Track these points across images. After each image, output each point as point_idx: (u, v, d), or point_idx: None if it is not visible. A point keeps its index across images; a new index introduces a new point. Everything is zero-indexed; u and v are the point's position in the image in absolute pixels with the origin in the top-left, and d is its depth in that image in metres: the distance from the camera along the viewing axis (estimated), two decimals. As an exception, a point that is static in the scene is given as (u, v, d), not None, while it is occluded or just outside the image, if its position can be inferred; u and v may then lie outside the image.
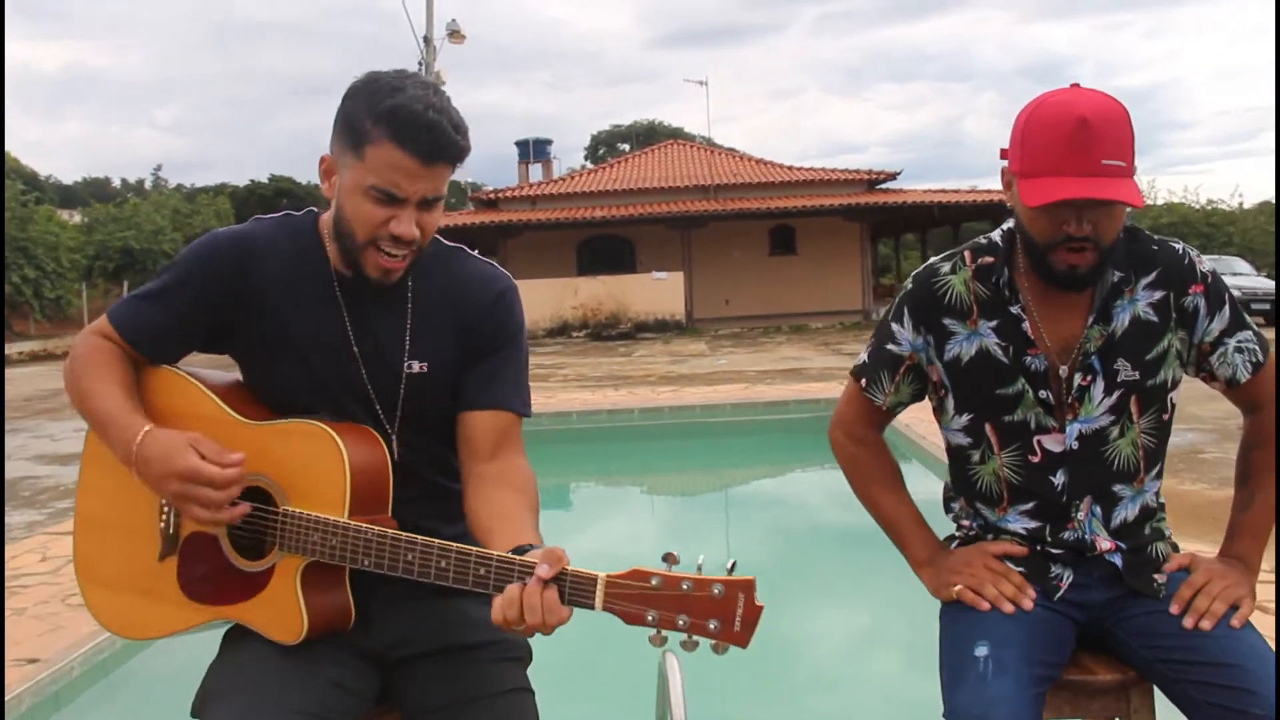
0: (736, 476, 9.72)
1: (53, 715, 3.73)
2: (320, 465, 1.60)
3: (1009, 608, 1.80)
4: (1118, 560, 1.87)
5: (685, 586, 1.36)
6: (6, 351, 19.14)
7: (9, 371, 19.20)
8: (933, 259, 2.00)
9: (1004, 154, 1.83)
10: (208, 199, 40.39)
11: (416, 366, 1.75)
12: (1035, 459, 1.88)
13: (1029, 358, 1.86)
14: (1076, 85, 1.77)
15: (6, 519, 6.53)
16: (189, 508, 1.60)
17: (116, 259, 32.40)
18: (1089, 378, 1.85)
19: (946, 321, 1.91)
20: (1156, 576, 1.87)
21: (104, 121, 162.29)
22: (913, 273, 2.02)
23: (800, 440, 10.97)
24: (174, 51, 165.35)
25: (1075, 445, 1.85)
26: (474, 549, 1.48)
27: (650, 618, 1.37)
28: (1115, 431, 1.86)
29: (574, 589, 1.40)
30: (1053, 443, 1.87)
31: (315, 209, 1.84)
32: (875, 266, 33.73)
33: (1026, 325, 1.86)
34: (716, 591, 1.35)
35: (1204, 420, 8.48)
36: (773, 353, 18.93)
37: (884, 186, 28.85)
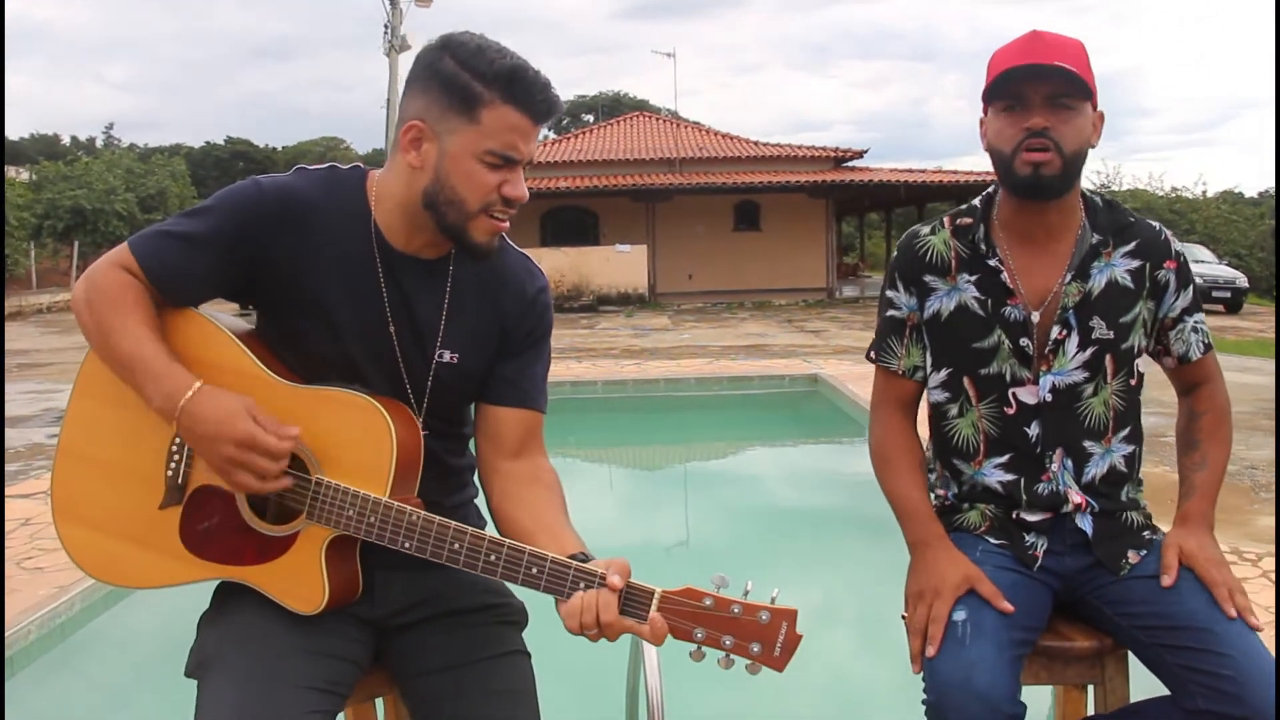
0: (699, 451, 9.75)
1: (8, 679, 3.63)
2: (363, 439, 1.58)
3: (930, 652, 1.77)
4: (1088, 526, 1.94)
5: (735, 610, 1.45)
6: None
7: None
8: (916, 225, 2.11)
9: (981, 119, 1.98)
10: (162, 159, 39.43)
11: (448, 356, 1.72)
12: (1010, 410, 1.96)
13: (1008, 308, 1.95)
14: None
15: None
16: (238, 474, 1.54)
17: (67, 219, 31.68)
18: (1065, 331, 1.93)
19: (928, 279, 2.02)
20: (1130, 555, 1.92)
21: (52, 76, 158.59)
22: (898, 242, 2.13)
23: (763, 415, 11.05)
24: (124, 6, 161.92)
25: (1048, 397, 1.94)
26: (526, 547, 1.50)
27: (698, 635, 1.45)
28: (1089, 389, 1.95)
29: (629, 600, 1.46)
30: (1027, 395, 1.95)
31: (361, 165, 1.76)
32: (839, 245, 33.86)
33: (1005, 276, 1.95)
34: (763, 618, 1.44)
35: (1166, 404, 8.54)
36: (736, 329, 18.96)
37: (850, 165, 28.90)
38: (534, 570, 1.49)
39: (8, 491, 6.10)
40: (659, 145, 29.17)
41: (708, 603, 1.45)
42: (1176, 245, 2.01)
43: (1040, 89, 1.83)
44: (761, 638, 1.45)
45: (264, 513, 1.62)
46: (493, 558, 1.51)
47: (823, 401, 10.66)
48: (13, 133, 59.17)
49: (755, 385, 11.47)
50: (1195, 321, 2.02)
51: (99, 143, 61.17)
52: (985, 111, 1.94)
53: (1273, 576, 4.42)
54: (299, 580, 1.59)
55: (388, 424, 1.57)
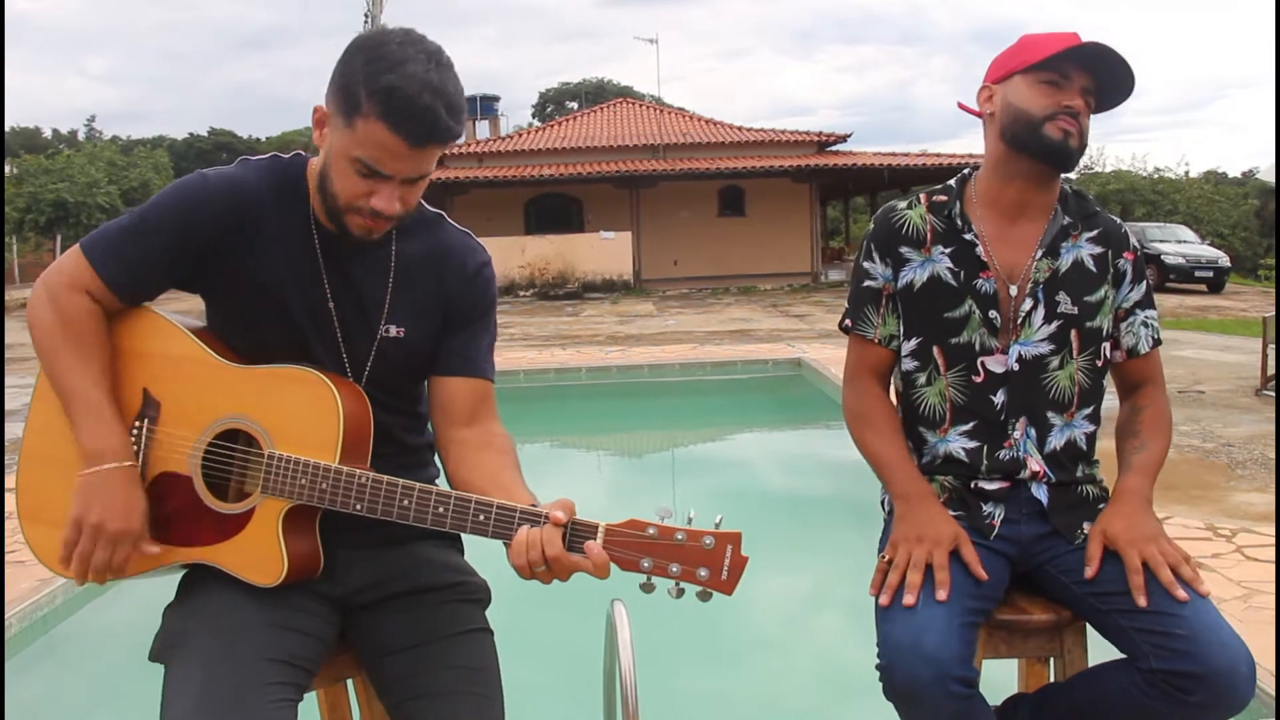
0: (683, 436, 9.76)
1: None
2: (313, 411, 1.63)
3: (908, 599, 1.79)
4: (1043, 496, 1.99)
5: (679, 537, 1.48)
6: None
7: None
8: (891, 201, 2.16)
9: (981, 92, 2.07)
10: (145, 152, 39.27)
11: (394, 331, 1.77)
12: (978, 379, 2.02)
13: (980, 280, 2.01)
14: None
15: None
16: (91, 537, 1.61)
17: (49, 212, 31.46)
18: (1034, 304, 2.00)
19: (903, 250, 2.07)
20: (1085, 527, 1.97)
21: (32, 69, 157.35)
22: (873, 215, 2.18)
23: (747, 400, 11.06)
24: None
25: (1016, 366, 2.00)
26: (473, 495, 1.54)
27: (644, 564, 1.48)
28: (1055, 362, 2.01)
29: (574, 535, 1.49)
30: (995, 364, 2.01)
31: (304, 153, 1.80)
32: (824, 229, 33.85)
33: (980, 250, 2.02)
34: (707, 543, 1.47)
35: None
36: (721, 314, 18.96)
37: (834, 149, 28.83)
38: (480, 517, 1.53)
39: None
40: (643, 132, 29.06)
41: (651, 532, 1.48)
42: (1134, 240, 2.09)
43: (1083, 78, 1.95)
44: (708, 562, 1.48)
45: (227, 494, 1.67)
46: (440, 509, 1.54)
47: (806, 385, 10.67)
48: (-8, 126, 58.60)
49: (739, 370, 11.47)
50: (1147, 316, 2.08)
51: (81, 135, 60.85)
52: (999, 81, 2.02)
53: (1247, 552, 4.47)
54: (258, 553, 1.63)
55: (334, 396, 1.62)
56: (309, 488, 1.60)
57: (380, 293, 1.77)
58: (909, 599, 1.80)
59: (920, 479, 2.01)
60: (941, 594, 1.79)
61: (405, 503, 1.56)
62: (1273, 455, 6.53)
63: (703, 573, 1.47)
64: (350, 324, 1.76)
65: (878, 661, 1.78)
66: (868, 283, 2.11)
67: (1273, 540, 4.63)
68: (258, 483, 1.63)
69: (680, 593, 1.49)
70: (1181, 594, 1.76)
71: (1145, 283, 2.08)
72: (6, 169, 34.61)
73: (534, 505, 1.54)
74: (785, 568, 5.36)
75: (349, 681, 1.88)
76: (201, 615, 1.63)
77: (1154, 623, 1.75)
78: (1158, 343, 2.09)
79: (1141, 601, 1.78)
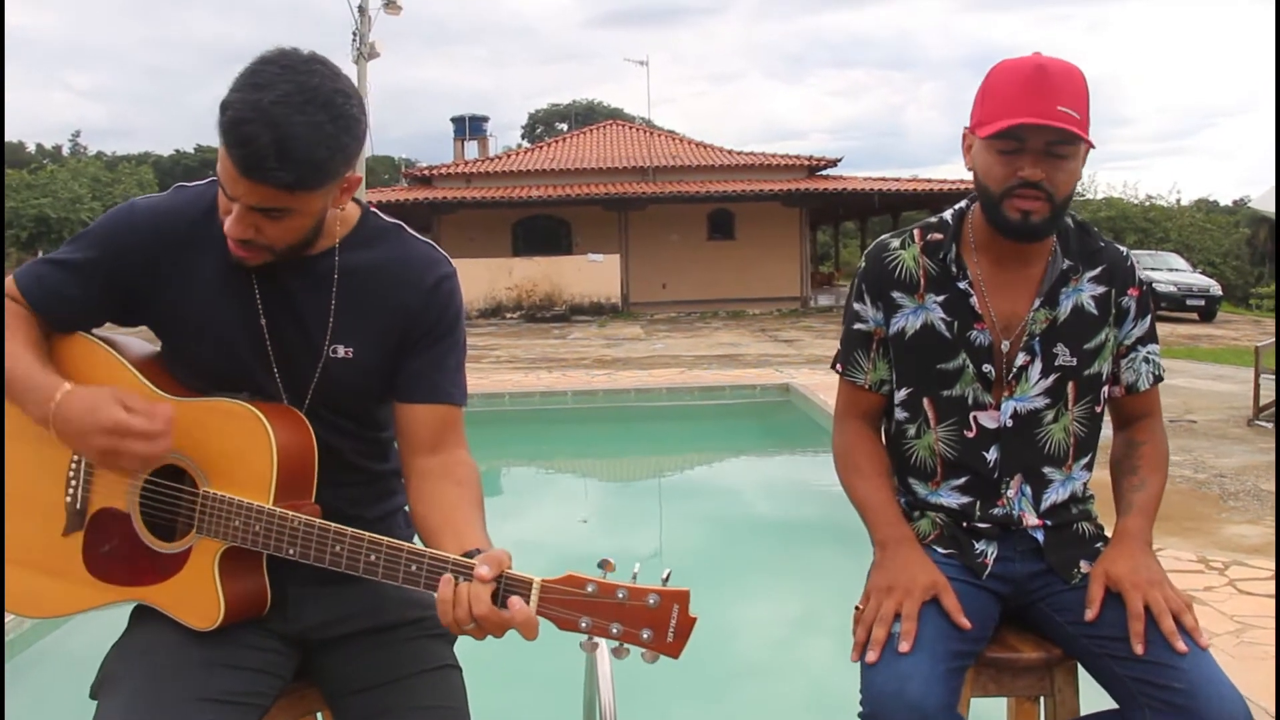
0: (670, 461, 9.75)
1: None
2: (245, 447, 1.56)
3: (870, 657, 1.74)
4: (1040, 535, 1.94)
5: (620, 595, 1.38)
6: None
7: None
8: (884, 236, 2.05)
9: (962, 144, 1.94)
10: (130, 168, 39.29)
11: (341, 351, 1.68)
12: (970, 434, 1.94)
13: (974, 332, 1.93)
14: (1038, 53, 1.85)
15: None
16: (118, 461, 1.54)
17: (31, 227, 31.45)
18: (1029, 358, 1.92)
19: (895, 295, 1.98)
20: (1082, 565, 1.91)
21: (17, 84, 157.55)
22: (865, 252, 2.08)
23: (734, 425, 11.08)
24: (92, 13, 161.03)
25: (1009, 423, 1.92)
26: (405, 545, 1.46)
27: (583, 624, 1.38)
28: (1050, 415, 1.94)
29: (507, 590, 1.40)
30: (988, 419, 1.93)
31: None
32: (814, 254, 33.97)
33: (974, 300, 1.93)
34: (651, 602, 1.37)
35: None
36: (709, 338, 18.96)
37: (824, 173, 29.00)
38: (413, 568, 1.45)
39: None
40: (632, 154, 29.19)
41: (590, 589, 1.38)
42: (1141, 273, 2.00)
43: (1042, 135, 1.77)
44: (651, 623, 1.37)
45: (171, 533, 1.61)
46: (372, 557, 1.47)
47: (794, 411, 10.68)
48: (-26, 140, 58.71)
49: (727, 395, 11.52)
50: (1148, 352, 1.99)
51: (65, 150, 60.87)
52: (973, 130, 1.88)
53: (1240, 586, 4.47)
54: (194, 596, 1.57)
55: (266, 431, 1.55)
56: (243, 530, 1.53)
57: (323, 310, 1.67)
58: (871, 656, 1.74)
59: (901, 524, 1.94)
60: (905, 646, 1.72)
61: (337, 548, 1.49)
62: (1265, 486, 6.50)
63: (646, 634, 1.38)
64: (288, 344, 1.67)
65: (861, 710, 1.73)
66: (858, 325, 2.03)
67: (1265, 574, 4.59)
68: (193, 520, 1.57)
69: (625, 654, 1.39)
70: (1181, 645, 1.70)
71: (1150, 318, 1.99)
72: None
73: (470, 555, 1.45)
74: (771, 594, 5.42)
75: (318, 715, 1.83)
76: (136, 653, 1.59)
77: (1151, 673, 1.70)
78: (1158, 379, 2.01)
79: (1139, 649, 1.72)
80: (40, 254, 31.05)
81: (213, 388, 1.65)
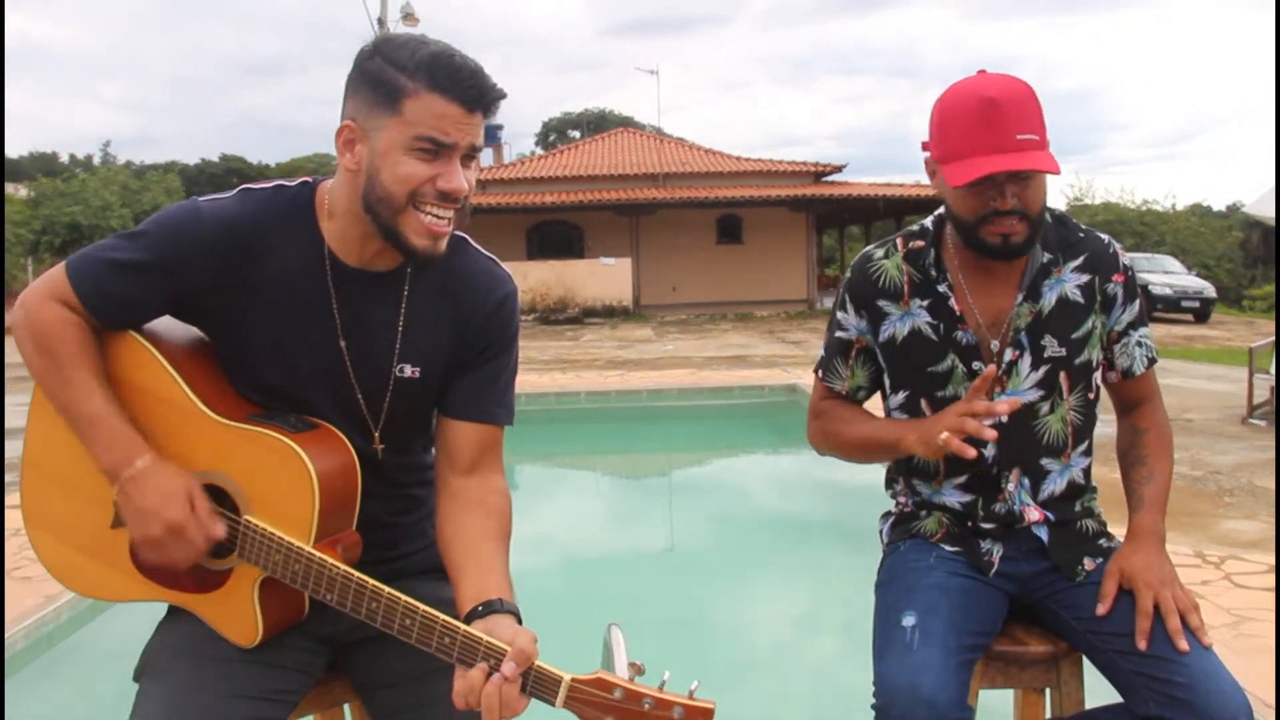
0: (681, 460, 9.77)
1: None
2: (288, 484, 1.52)
3: (990, 435, 1.72)
4: (1044, 534, 1.96)
5: (646, 705, 1.35)
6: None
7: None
8: (868, 247, 2.09)
9: (925, 146, 1.92)
10: (157, 176, 39.36)
11: (409, 371, 1.65)
12: None
13: (959, 333, 1.94)
14: (983, 71, 1.86)
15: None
16: (155, 552, 1.53)
17: (64, 234, 31.60)
18: (1017, 353, 1.93)
19: (881, 303, 2.01)
20: (1086, 562, 1.93)
21: (48, 96, 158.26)
22: (851, 262, 2.11)
23: (743, 425, 11.05)
24: (119, 26, 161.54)
25: (1004, 418, 1.87)
26: (440, 617, 1.42)
27: None
28: (1045, 407, 1.95)
29: (536, 685, 1.39)
30: None
31: (310, 179, 1.68)
32: (820, 257, 34.00)
33: (953, 301, 1.95)
34: (676, 714, 1.35)
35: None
36: (718, 339, 18.99)
37: (830, 179, 29.00)
38: (446, 641, 1.42)
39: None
40: (643, 160, 29.26)
41: (618, 694, 1.36)
42: (1125, 259, 1.99)
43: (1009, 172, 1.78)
44: None
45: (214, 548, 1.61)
46: (408, 623, 1.45)
47: (800, 410, 10.44)
48: (12, 150, 58.83)
49: (736, 395, 11.50)
50: (1140, 335, 2.00)
51: (96, 160, 60.89)
52: (937, 163, 1.87)
53: (1235, 580, 4.48)
54: (234, 614, 1.57)
55: (308, 469, 1.50)
56: (282, 566, 1.51)
57: (391, 330, 1.64)
58: (989, 435, 1.71)
59: (902, 421, 1.95)
60: (1001, 407, 1.73)
61: (373, 606, 1.46)
62: (1260, 482, 6.55)
63: None
64: (361, 366, 1.63)
65: (873, 701, 1.75)
66: (839, 334, 2.07)
67: (1260, 568, 4.65)
68: (234, 543, 1.55)
69: None
70: (1184, 645, 1.71)
71: (1138, 302, 1.98)
72: (25, 192, 34.84)
73: (501, 605, 1.48)
74: (780, 592, 5.38)
75: (345, 707, 1.86)
76: (177, 643, 1.60)
77: (1154, 667, 1.71)
78: (1152, 361, 2.02)
79: (1142, 645, 1.73)
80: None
81: (269, 400, 1.62)
